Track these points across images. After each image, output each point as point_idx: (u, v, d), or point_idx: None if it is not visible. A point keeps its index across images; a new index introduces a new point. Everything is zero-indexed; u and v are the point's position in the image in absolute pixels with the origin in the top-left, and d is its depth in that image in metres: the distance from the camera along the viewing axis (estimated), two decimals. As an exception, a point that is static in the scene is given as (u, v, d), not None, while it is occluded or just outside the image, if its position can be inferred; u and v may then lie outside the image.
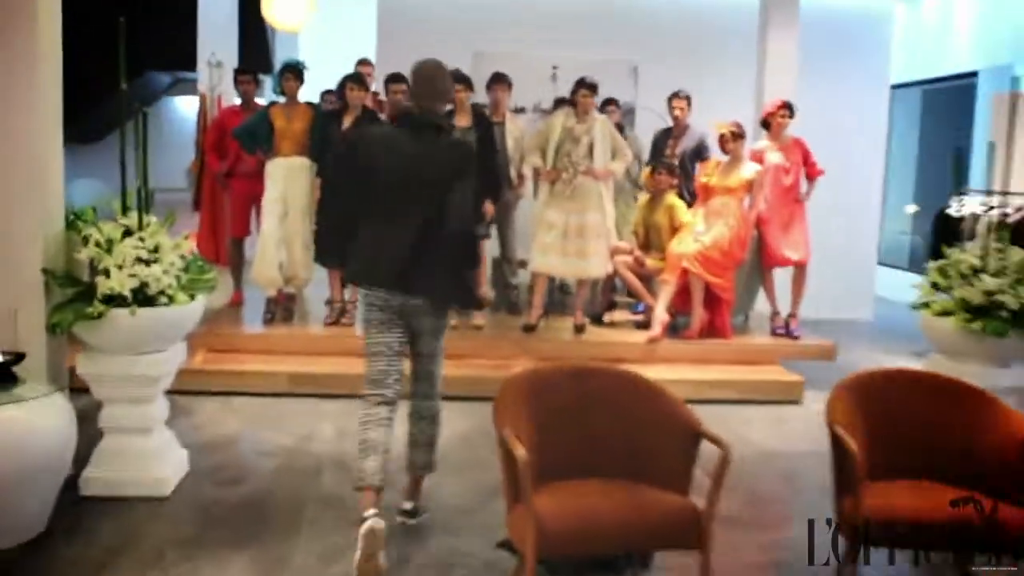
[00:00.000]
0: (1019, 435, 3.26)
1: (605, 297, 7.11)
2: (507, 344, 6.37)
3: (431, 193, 3.54)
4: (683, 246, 6.43)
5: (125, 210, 4.11)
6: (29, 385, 3.64)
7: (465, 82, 6.36)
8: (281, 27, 8.20)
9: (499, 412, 3.07)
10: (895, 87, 9.63)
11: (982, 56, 9.76)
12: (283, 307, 6.63)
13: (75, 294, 3.95)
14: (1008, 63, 9.05)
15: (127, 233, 4.00)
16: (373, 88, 7.00)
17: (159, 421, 4.20)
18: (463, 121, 6.25)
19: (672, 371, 6.14)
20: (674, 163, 6.92)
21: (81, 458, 3.96)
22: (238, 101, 7.06)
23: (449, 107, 3.85)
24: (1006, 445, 3.27)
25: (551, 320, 6.69)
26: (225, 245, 7.10)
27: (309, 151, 6.32)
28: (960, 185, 5.05)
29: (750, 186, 6.49)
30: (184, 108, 11.56)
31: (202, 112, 7.76)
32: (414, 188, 3.53)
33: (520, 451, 2.79)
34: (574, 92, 6.35)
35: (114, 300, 3.84)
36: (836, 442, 3.25)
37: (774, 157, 6.72)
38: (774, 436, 5.49)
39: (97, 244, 3.93)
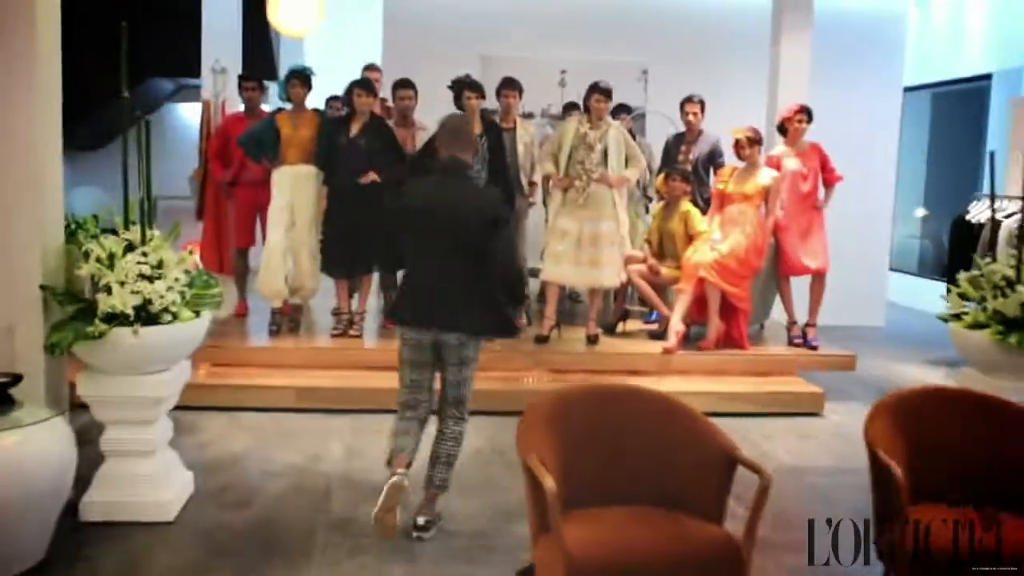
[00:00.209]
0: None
1: (618, 307, 6.95)
2: (519, 356, 6.20)
3: (461, 235, 3.79)
4: (699, 255, 6.27)
5: (127, 223, 3.95)
6: (28, 408, 3.48)
7: (477, 89, 6.21)
8: (287, 33, 8.06)
9: (523, 438, 2.91)
10: (905, 90, 9.49)
11: (996, 58, 9.62)
12: (289, 319, 6.47)
13: (75, 312, 3.78)
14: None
15: (129, 248, 3.84)
16: (380, 94, 6.84)
17: (162, 443, 4.04)
18: (474, 128, 6.09)
19: (688, 383, 6.01)
20: (688, 169, 6.77)
21: (82, 481, 3.79)
22: (242, 108, 6.92)
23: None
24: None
25: (563, 331, 6.53)
26: (229, 255, 6.96)
27: (316, 159, 6.16)
28: (993, 189, 4.87)
29: (767, 193, 6.33)
30: (187, 115, 11.42)
31: (205, 119, 7.62)
32: (445, 231, 3.80)
33: (549, 482, 2.63)
34: (587, 97, 6.20)
35: (116, 318, 3.68)
36: (876, 465, 3.08)
37: (791, 163, 6.56)
38: (798, 452, 5.32)
39: (98, 259, 3.77)
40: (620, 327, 6.83)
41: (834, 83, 8.41)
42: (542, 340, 6.33)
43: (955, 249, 7.89)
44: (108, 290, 3.71)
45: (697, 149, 7.02)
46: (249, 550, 3.72)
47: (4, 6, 3.76)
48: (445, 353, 3.87)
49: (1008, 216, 7.14)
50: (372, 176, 6.04)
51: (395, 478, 3.64)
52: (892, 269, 9.84)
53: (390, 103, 6.85)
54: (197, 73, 8.14)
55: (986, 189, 5.31)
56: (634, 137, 6.77)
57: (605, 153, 6.17)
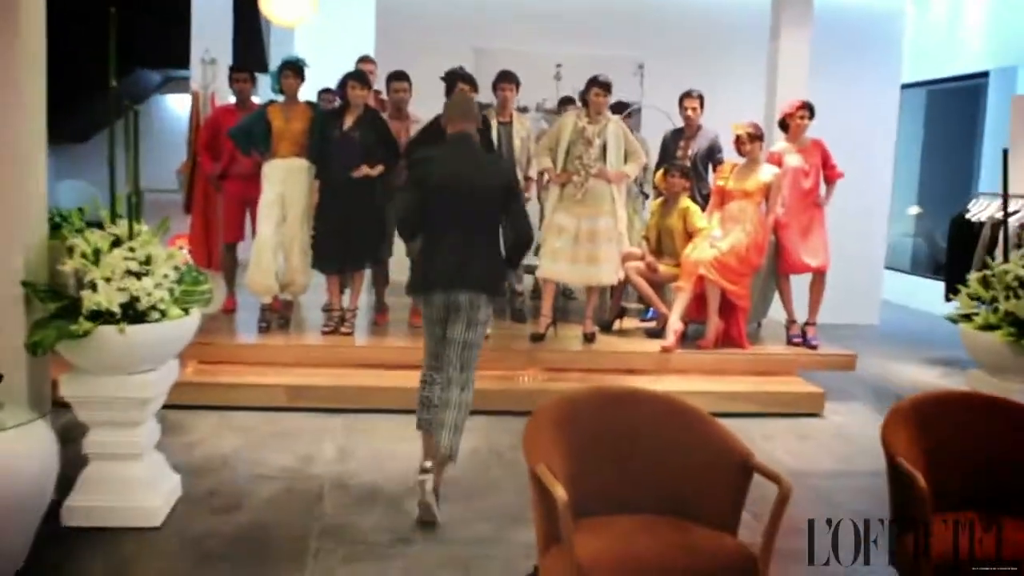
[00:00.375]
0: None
1: (615, 304, 6.83)
2: (514, 355, 6.08)
3: (481, 205, 4.04)
4: (699, 252, 6.15)
5: (114, 217, 3.79)
6: (8, 410, 3.32)
7: (470, 82, 6.08)
8: (280, 23, 7.89)
9: (530, 443, 2.77)
10: (902, 87, 9.40)
11: (993, 56, 9.55)
12: (279, 315, 6.32)
13: (58, 309, 3.61)
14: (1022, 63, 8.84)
15: (116, 243, 3.69)
16: (375, 87, 6.69)
17: (149, 445, 3.89)
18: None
19: (687, 382, 5.91)
20: (687, 165, 6.66)
21: (64, 481, 3.62)
22: (232, 100, 6.75)
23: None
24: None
25: (559, 329, 6.40)
26: (218, 250, 6.79)
27: (308, 152, 6.01)
28: (1006, 188, 4.77)
29: (768, 190, 6.22)
30: (176, 107, 11.22)
31: (194, 111, 7.45)
32: (466, 203, 4.01)
33: (560, 491, 2.49)
34: (586, 91, 6.08)
35: (101, 316, 3.52)
36: (896, 475, 2.96)
37: (793, 160, 6.45)
38: (800, 453, 5.21)
39: (83, 255, 3.61)
40: (617, 325, 6.72)
41: (832, 79, 8.32)
42: (538, 338, 6.21)
43: (954, 248, 7.81)
44: (93, 287, 3.56)
45: (696, 145, 6.92)
46: (239, 557, 3.58)
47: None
48: (455, 316, 4.01)
49: (1012, 214, 7.04)
50: (365, 170, 5.91)
51: (423, 477, 3.87)
52: (886, 267, 9.77)
53: (384, 96, 6.70)
54: (186, 64, 7.95)
55: (998, 188, 5.19)
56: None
57: (604, 148, 6.05)
